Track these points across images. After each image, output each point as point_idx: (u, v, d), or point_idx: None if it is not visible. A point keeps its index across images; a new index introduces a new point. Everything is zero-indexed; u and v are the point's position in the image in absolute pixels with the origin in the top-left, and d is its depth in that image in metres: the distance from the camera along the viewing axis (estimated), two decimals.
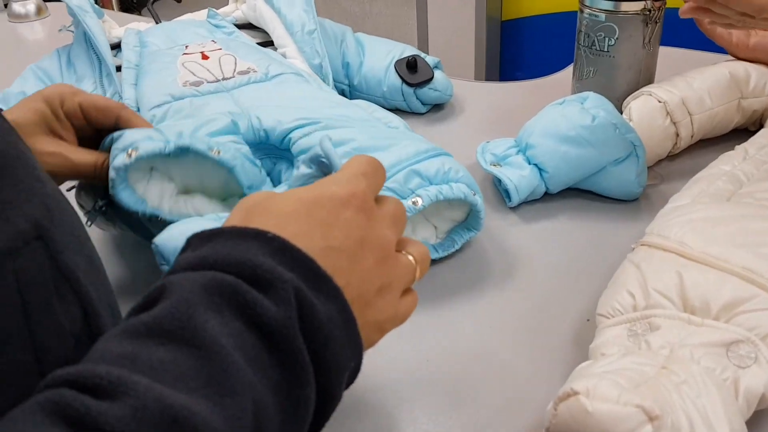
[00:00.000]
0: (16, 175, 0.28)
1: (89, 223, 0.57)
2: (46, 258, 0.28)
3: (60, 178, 0.55)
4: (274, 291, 0.28)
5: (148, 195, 0.54)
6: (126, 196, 0.53)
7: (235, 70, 0.75)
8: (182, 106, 0.70)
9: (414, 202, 0.56)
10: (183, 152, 0.54)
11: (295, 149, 0.64)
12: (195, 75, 0.74)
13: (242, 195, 0.57)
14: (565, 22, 2.19)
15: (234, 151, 0.56)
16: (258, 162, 0.60)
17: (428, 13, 2.30)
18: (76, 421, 0.22)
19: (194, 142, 0.53)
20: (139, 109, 0.73)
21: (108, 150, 0.54)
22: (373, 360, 0.39)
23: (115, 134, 0.54)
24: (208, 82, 0.73)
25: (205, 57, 0.77)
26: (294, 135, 0.64)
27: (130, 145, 0.52)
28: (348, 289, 0.31)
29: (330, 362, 0.30)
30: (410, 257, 0.37)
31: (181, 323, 0.26)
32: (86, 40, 0.82)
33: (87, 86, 0.78)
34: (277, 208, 0.33)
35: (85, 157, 0.55)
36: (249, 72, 0.75)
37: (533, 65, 2.34)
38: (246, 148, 0.60)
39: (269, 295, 0.28)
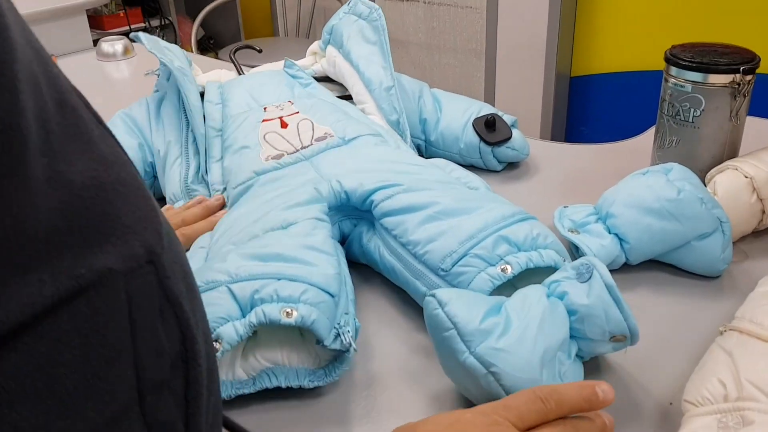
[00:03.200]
0: (136, 202, 0.30)
1: None
2: (156, 282, 0.30)
3: None
4: None
5: (221, 368, 0.53)
6: None
7: (312, 137, 0.77)
8: (266, 180, 0.72)
9: (503, 270, 0.56)
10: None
11: (377, 212, 0.64)
12: (276, 149, 0.75)
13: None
14: (636, 81, 2.18)
15: (310, 307, 0.52)
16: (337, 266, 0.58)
17: (497, 65, 2.31)
18: None
19: (269, 313, 0.51)
20: (225, 189, 0.75)
21: None
22: None
23: None
24: (288, 153, 0.75)
25: (284, 125, 0.79)
26: (376, 197, 0.64)
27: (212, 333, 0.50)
28: None
29: None
30: None
31: None
32: (179, 100, 0.84)
33: (173, 152, 0.80)
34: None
35: None
36: (326, 137, 0.76)
37: (601, 123, 2.33)
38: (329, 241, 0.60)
39: None
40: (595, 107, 2.32)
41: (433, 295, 0.51)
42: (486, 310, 0.50)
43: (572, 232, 0.69)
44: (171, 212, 0.74)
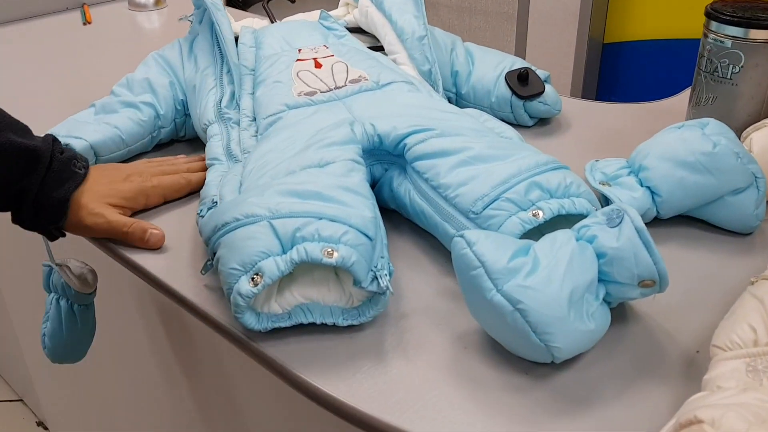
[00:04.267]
0: None
1: (203, 272, 0.60)
2: None
3: (98, 233, 0.68)
4: None
5: (256, 303, 0.54)
6: (250, 319, 0.53)
7: (347, 79, 0.77)
8: (298, 114, 0.72)
9: (534, 214, 0.56)
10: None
11: (409, 156, 0.64)
12: (309, 86, 0.75)
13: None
14: (672, 49, 2.14)
15: (350, 249, 0.53)
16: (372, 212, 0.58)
17: (528, 29, 2.28)
18: None
19: (311, 251, 0.52)
20: (255, 118, 0.75)
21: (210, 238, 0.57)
22: None
23: (220, 219, 0.56)
24: (321, 92, 0.75)
25: (318, 65, 0.79)
26: (409, 141, 0.64)
27: (252, 266, 0.52)
28: None
29: None
30: None
31: None
32: (212, 36, 0.85)
33: (209, 81, 0.81)
34: None
35: (119, 219, 0.68)
36: (360, 80, 0.76)
37: (633, 92, 2.29)
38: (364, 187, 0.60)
39: None
40: (627, 75, 2.28)
41: (462, 236, 0.51)
42: (514, 251, 0.50)
43: (603, 184, 0.68)
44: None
